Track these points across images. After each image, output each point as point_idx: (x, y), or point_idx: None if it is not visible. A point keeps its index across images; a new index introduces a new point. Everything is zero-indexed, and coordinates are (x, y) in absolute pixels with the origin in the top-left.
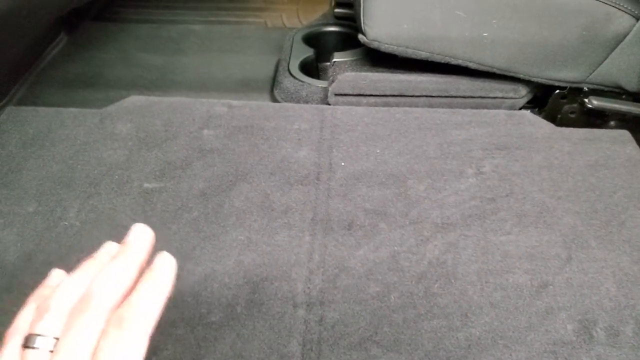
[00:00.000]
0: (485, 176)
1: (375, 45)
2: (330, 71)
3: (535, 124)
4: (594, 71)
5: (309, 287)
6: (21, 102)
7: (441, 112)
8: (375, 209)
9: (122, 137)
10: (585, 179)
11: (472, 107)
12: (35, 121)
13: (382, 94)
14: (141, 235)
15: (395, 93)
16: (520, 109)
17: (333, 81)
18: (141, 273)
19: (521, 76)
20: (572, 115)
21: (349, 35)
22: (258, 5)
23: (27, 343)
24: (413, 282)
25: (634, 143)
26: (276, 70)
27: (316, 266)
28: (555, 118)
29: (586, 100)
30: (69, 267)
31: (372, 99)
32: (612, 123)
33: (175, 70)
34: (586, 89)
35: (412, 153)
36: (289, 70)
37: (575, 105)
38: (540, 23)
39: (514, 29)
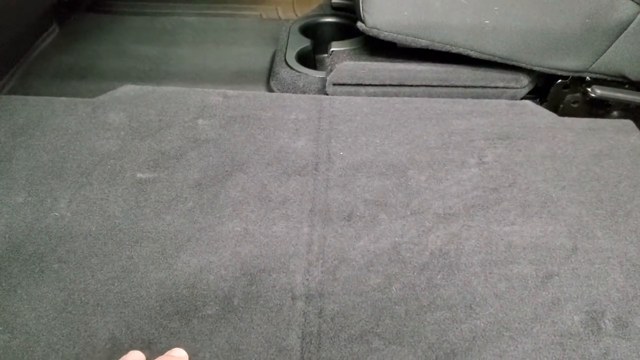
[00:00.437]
0: (487, 166)
1: (374, 32)
2: (328, 60)
3: (538, 113)
4: (596, 60)
5: (307, 279)
6: (12, 93)
7: (442, 102)
8: (375, 200)
9: (115, 126)
10: (590, 168)
11: (473, 97)
12: (25, 110)
13: (382, 83)
14: None
15: (395, 83)
16: (522, 99)
17: (331, 70)
18: None
19: (523, 65)
20: (575, 105)
21: (347, 26)
22: None
23: None
24: (415, 274)
25: (638, 132)
26: (272, 62)
27: (315, 257)
28: (558, 108)
29: (589, 89)
30: (60, 259)
31: (371, 89)
32: (615, 113)
33: (169, 61)
34: (589, 79)
35: (413, 143)
36: (285, 60)
37: (577, 94)
38: (542, 10)
39: (516, 16)
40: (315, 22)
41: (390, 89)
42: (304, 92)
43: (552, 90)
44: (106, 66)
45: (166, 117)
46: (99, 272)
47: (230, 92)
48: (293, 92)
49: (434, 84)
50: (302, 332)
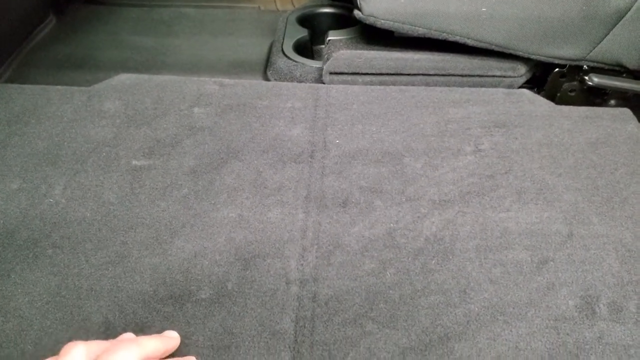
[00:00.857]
0: (483, 154)
1: (371, 20)
2: (325, 50)
3: (535, 102)
4: (594, 48)
5: (302, 264)
6: (9, 83)
7: (438, 90)
8: (370, 187)
9: (110, 114)
10: (586, 156)
11: (470, 86)
12: (21, 99)
13: (378, 72)
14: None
15: (392, 71)
16: (520, 88)
17: (328, 59)
18: None
19: (520, 53)
20: (572, 94)
21: (344, 16)
22: None
23: None
24: (409, 259)
25: (635, 121)
26: (269, 52)
27: (310, 243)
28: (555, 96)
29: (586, 78)
30: (54, 245)
31: (367, 78)
32: (612, 102)
33: (166, 52)
34: (586, 67)
35: (409, 131)
36: (282, 50)
37: (575, 83)
38: None
39: (512, 3)
40: (313, 13)
41: (387, 77)
42: (301, 82)
43: (550, 79)
44: (103, 57)
45: (162, 106)
46: (92, 257)
47: (226, 80)
48: (290, 82)
49: (430, 73)
50: (296, 316)
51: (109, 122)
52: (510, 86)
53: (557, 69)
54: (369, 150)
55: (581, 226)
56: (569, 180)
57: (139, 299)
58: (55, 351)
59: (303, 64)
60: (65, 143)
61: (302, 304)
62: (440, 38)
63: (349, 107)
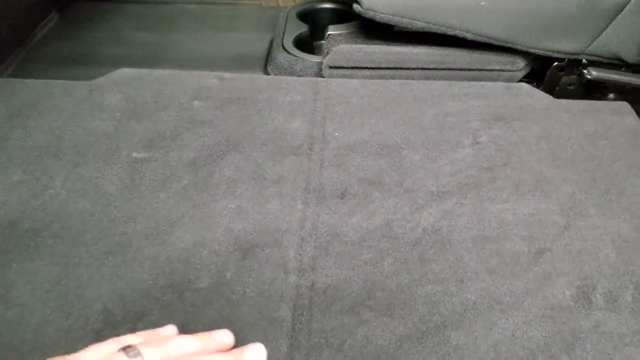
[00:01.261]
0: (482, 146)
1: (370, 15)
2: (324, 44)
3: (534, 95)
4: (593, 42)
5: (300, 254)
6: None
7: (438, 84)
8: (369, 178)
9: (111, 108)
10: (584, 149)
11: (469, 80)
12: (23, 92)
13: (378, 66)
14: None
15: (391, 65)
16: (519, 82)
17: (328, 53)
18: None
19: (519, 47)
20: (571, 87)
21: (344, 12)
22: None
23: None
24: (407, 249)
25: (634, 114)
26: (270, 47)
27: (308, 233)
28: (554, 90)
29: (585, 71)
30: (55, 235)
31: (367, 72)
32: (611, 95)
33: (168, 47)
34: (585, 61)
35: (408, 124)
36: (282, 45)
37: (573, 77)
38: None
39: None
40: (313, 8)
41: (386, 71)
42: (301, 77)
43: (548, 73)
44: (105, 53)
45: (162, 99)
46: (93, 248)
47: (226, 74)
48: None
49: (430, 67)
50: (294, 304)
51: (109, 116)
52: (509, 80)
53: (556, 63)
54: (368, 143)
55: (578, 218)
56: (566, 172)
57: (138, 288)
58: (55, 341)
59: (303, 59)
60: (66, 136)
61: (300, 293)
62: (439, 32)
63: (348, 101)
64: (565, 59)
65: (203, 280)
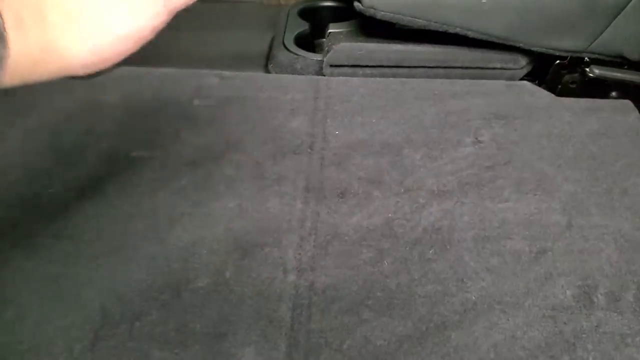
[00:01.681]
0: (483, 145)
1: (371, 12)
2: (325, 42)
3: (535, 94)
4: (595, 40)
5: (299, 253)
6: None
7: (439, 82)
8: (369, 178)
9: (110, 106)
10: (586, 147)
11: (470, 78)
12: (21, 91)
13: (379, 64)
14: None
15: (392, 64)
16: (520, 80)
17: (328, 52)
18: None
19: (521, 45)
20: (573, 86)
21: (345, 10)
22: None
23: None
24: (407, 248)
25: (636, 113)
26: (271, 46)
27: (308, 233)
28: (556, 89)
29: (587, 69)
30: (53, 235)
31: (368, 70)
32: (613, 94)
33: (167, 45)
34: (587, 59)
35: (409, 123)
36: (283, 43)
37: (576, 75)
38: None
39: None
40: (314, 6)
41: (387, 70)
42: (302, 75)
43: (551, 71)
44: None
45: (161, 98)
46: (91, 247)
47: (226, 73)
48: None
49: (431, 65)
50: (293, 304)
51: (108, 114)
52: (511, 78)
53: (558, 61)
54: (368, 142)
55: (580, 217)
56: (568, 171)
57: (136, 287)
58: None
59: (304, 57)
60: (65, 135)
61: (299, 292)
62: (440, 30)
63: (349, 99)
64: (567, 57)
65: (202, 279)
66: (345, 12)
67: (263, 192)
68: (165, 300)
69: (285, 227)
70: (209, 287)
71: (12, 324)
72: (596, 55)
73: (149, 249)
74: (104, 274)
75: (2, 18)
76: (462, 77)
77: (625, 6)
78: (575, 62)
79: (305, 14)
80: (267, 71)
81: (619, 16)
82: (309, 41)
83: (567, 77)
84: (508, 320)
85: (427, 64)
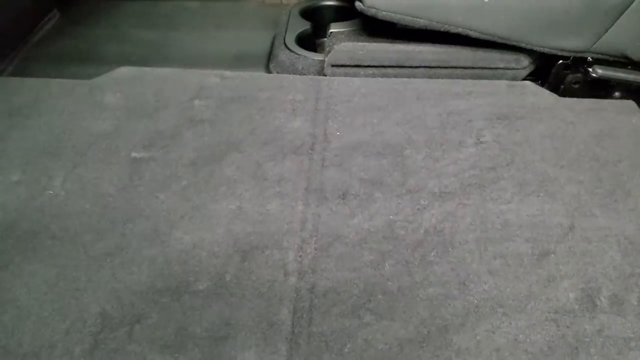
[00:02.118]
0: (485, 145)
1: (372, 12)
2: (326, 42)
3: (538, 94)
4: (598, 39)
5: (300, 256)
6: (12, 77)
7: (441, 82)
8: (370, 179)
9: (111, 107)
10: (589, 148)
11: (473, 78)
12: (22, 92)
13: (380, 64)
14: None
15: (394, 64)
16: (523, 80)
17: (329, 52)
18: None
19: (523, 45)
20: (576, 86)
21: (347, 9)
22: None
23: None
24: (409, 251)
25: (639, 113)
26: (272, 45)
27: (309, 235)
28: (558, 89)
29: (590, 69)
30: (53, 236)
31: (369, 70)
32: (616, 94)
33: (169, 45)
34: (590, 59)
35: (410, 123)
36: (284, 43)
37: (578, 75)
38: None
39: None
40: (316, 6)
41: (389, 70)
42: (303, 75)
43: (553, 71)
44: (106, 51)
45: (162, 98)
46: (91, 249)
47: (227, 73)
48: (292, 75)
49: (433, 65)
50: (294, 307)
51: (109, 115)
52: (513, 78)
53: (560, 61)
54: (370, 143)
55: (583, 218)
56: (571, 172)
57: (136, 290)
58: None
59: (305, 56)
60: (66, 136)
61: (300, 296)
62: (442, 30)
63: (350, 100)
64: (570, 57)
65: (202, 282)
66: (347, 12)
67: (264, 193)
68: (165, 303)
69: (286, 229)
70: (209, 289)
71: (11, 326)
72: (599, 55)
73: (149, 251)
74: (104, 276)
75: None
76: (464, 77)
77: (629, 5)
78: (578, 62)
79: (307, 13)
80: (269, 71)
81: (622, 16)
82: (311, 41)
83: (570, 77)
84: (510, 323)
85: (428, 64)
